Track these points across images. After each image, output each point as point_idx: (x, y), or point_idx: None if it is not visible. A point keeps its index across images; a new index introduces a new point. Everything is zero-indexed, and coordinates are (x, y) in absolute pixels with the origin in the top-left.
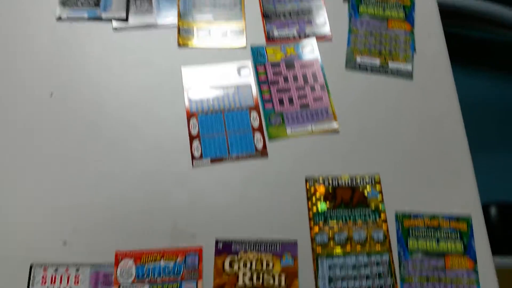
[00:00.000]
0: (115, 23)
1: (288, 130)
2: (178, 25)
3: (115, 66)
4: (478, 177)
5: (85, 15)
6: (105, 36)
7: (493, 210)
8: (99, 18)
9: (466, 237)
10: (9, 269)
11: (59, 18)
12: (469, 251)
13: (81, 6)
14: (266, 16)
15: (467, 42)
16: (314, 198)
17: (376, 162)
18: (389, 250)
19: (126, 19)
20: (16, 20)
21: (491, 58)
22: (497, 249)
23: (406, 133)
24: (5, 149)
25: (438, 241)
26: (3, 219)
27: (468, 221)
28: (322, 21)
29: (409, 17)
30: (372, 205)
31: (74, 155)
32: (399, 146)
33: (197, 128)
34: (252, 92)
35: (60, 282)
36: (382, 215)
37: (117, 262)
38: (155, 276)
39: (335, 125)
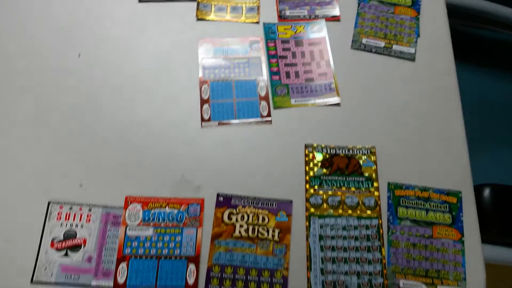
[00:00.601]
0: None
1: (292, 101)
2: (198, 0)
3: (138, 34)
4: (475, 161)
5: None
6: (131, 6)
7: (486, 191)
8: None
9: (455, 210)
10: (29, 204)
11: None
12: (457, 223)
13: None
14: None
15: (472, 41)
16: (311, 164)
17: (373, 135)
18: (379, 216)
19: None
20: None
21: (497, 57)
22: (487, 230)
23: (405, 110)
24: (33, 100)
25: (427, 211)
26: (27, 161)
27: (458, 195)
28: (332, 4)
29: (415, 4)
30: (366, 174)
31: (95, 108)
32: (397, 122)
33: (208, 93)
34: (261, 64)
35: (74, 219)
36: (375, 183)
37: (126, 206)
38: (160, 221)
39: (337, 99)
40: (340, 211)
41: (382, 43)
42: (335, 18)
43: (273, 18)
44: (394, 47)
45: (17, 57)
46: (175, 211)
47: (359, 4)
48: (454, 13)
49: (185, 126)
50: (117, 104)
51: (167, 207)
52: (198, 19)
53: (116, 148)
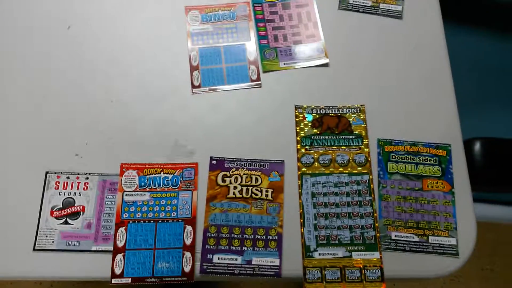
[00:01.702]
0: None
1: (281, 64)
2: None
3: (125, 5)
4: (465, 117)
5: None
6: None
7: (477, 145)
8: None
9: (445, 163)
10: (28, 176)
11: None
12: (446, 175)
13: None
14: None
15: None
16: (302, 124)
17: (362, 94)
18: (369, 172)
19: None
20: None
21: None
22: (478, 184)
23: (393, 67)
24: (28, 72)
25: (416, 165)
26: (24, 133)
27: (447, 148)
28: None
29: None
30: (356, 132)
31: (87, 78)
32: (385, 79)
33: (197, 60)
34: (249, 29)
35: (71, 187)
36: (365, 141)
37: (122, 173)
38: (155, 186)
39: (325, 60)
40: (332, 169)
41: (369, 2)
42: None
43: None
44: (381, 5)
45: (7, 33)
46: (170, 176)
47: None
48: None
49: (176, 93)
50: (109, 74)
51: (162, 173)
52: None
53: (109, 117)
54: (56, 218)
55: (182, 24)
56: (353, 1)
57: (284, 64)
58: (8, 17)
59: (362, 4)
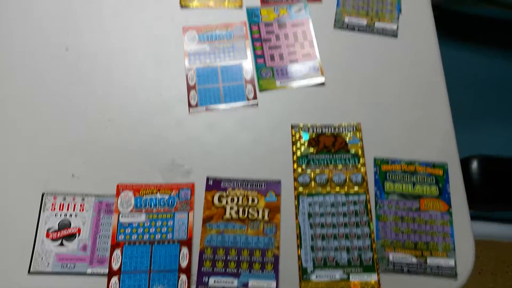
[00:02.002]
0: None
1: (278, 83)
2: None
3: (123, 24)
4: (462, 134)
5: None
6: None
7: (474, 163)
8: None
9: (442, 182)
10: (24, 197)
11: None
12: (443, 195)
13: None
14: None
15: (457, 17)
16: (298, 143)
17: (358, 112)
18: (366, 191)
19: None
20: None
21: (478, 32)
22: (476, 201)
23: (388, 85)
24: (25, 92)
25: (414, 184)
26: (20, 154)
27: (444, 167)
28: None
29: None
30: (353, 151)
31: (84, 98)
32: (381, 97)
33: (194, 79)
34: (246, 48)
35: (67, 209)
36: (361, 159)
37: (118, 193)
38: (152, 207)
39: (321, 79)
40: (328, 188)
41: (364, 21)
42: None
43: (256, 1)
44: (377, 24)
45: (5, 53)
46: (166, 197)
47: None
48: None
49: (173, 113)
50: (106, 94)
51: (158, 193)
52: (182, 7)
53: (106, 137)
54: (52, 240)
55: (179, 44)
56: (348, 21)
57: (281, 83)
58: (6, 36)
59: (357, 23)
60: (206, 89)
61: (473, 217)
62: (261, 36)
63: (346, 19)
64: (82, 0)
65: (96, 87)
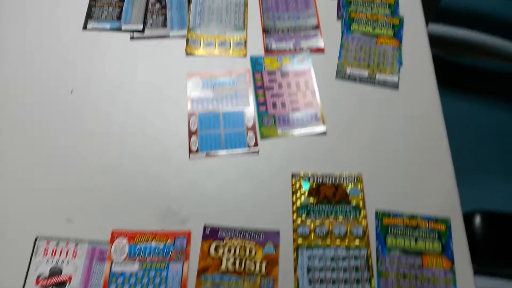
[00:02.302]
0: (132, 34)
1: (279, 130)
2: (187, 36)
3: (129, 69)
4: (464, 187)
5: (108, 26)
6: (123, 43)
7: (477, 219)
8: (119, 29)
9: (445, 238)
10: (17, 241)
11: (85, 28)
12: (446, 251)
13: (105, 19)
14: (266, 31)
15: (460, 69)
16: (298, 193)
17: (359, 162)
18: (368, 245)
19: (143, 31)
20: (47, 27)
21: (478, 83)
22: (480, 257)
23: (390, 137)
24: (23, 135)
25: (416, 240)
26: (16, 196)
27: (446, 222)
28: (317, 37)
29: (397, 35)
30: (354, 202)
31: (83, 142)
32: (383, 149)
33: (196, 125)
34: (248, 95)
35: (60, 255)
36: (363, 212)
37: (112, 240)
38: (146, 256)
39: (323, 128)
40: (328, 241)
41: (365, 73)
42: (320, 50)
43: (259, 51)
44: (378, 76)
45: (7, 94)
46: (161, 245)
47: (342, 35)
48: (437, 42)
49: (173, 158)
50: (106, 138)
51: (153, 241)
52: (188, 54)
53: (104, 181)
54: (42, 287)
55: (183, 90)
56: (350, 72)
57: (282, 131)
58: (11, 79)
59: (359, 74)
60: (207, 135)
61: (476, 272)
62: (264, 84)
63: (348, 70)
64: (88, 46)
65: (95, 132)
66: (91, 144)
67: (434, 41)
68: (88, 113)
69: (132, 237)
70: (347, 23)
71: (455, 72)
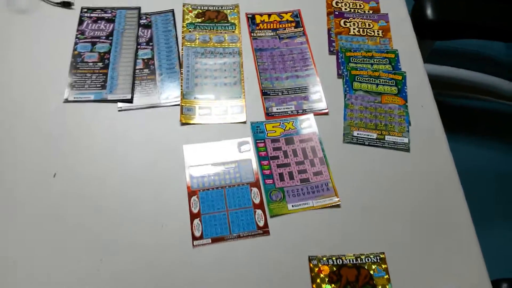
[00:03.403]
0: (120, 104)
1: (289, 206)
2: (181, 104)
3: (119, 145)
4: (486, 252)
5: (91, 97)
6: (109, 115)
7: (504, 286)
8: (104, 100)
9: None
10: None
11: (66, 100)
12: None
13: (88, 88)
14: (264, 93)
15: (459, 110)
16: (318, 279)
17: (378, 237)
18: None
19: (131, 101)
20: (24, 100)
21: (484, 125)
22: None
23: (408, 206)
24: (8, 226)
25: None
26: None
27: None
28: (318, 97)
29: (401, 92)
30: (379, 285)
31: (76, 234)
32: (401, 219)
33: (198, 206)
34: (252, 167)
35: None
36: None
37: None
38: None
39: (336, 199)
40: None
41: (374, 135)
42: (323, 112)
43: (260, 115)
44: (387, 137)
45: None
46: None
47: (345, 95)
48: (437, 84)
49: (175, 247)
50: (98, 229)
51: None
52: (182, 124)
53: (98, 279)
54: None
55: (180, 164)
56: (358, 134)
57: (293, 206)
58: None
59: (367, 137)
60: (211, 217)
61: None
62: (268, 153)
63: (355, 133)
64: (76, 121)
65: (87, 222)
66: (82, 237)
67: (434, 82)
68: (74, 200)
69: None
70: (349, 82)
71: (454, 113)
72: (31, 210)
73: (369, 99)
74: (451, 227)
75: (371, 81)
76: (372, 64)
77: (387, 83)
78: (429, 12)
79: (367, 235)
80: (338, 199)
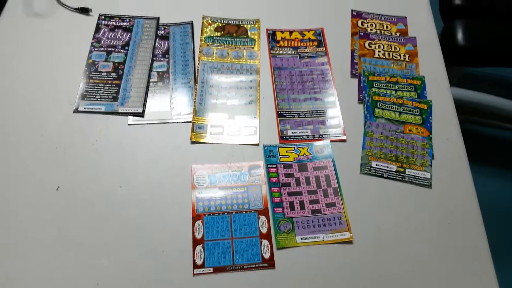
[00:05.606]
0: (130, 119)
1: (298, 239)
2: (193, 122)
3: (125, 161)
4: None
5: (102, 108)
6: (119, 129)
7: None
8: (115, 113)
9: None
10: None
11: (76, 110)
12: None
13: (99, 99)
14: (280, 115)
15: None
16: None
17: (392, 277)
18: None
19: (143, 115)
20: (34, 106)
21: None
22: None
23: (425, 246)
24: (13, 239)
25: None
26: None
27: None
28: (337, 122)
29: (426, 122)
30: None
31: (72, 253)
32: (417, 260)
33: (202, 232)
34: (262, 194)
35: None
36: None
37: None
38: None
39: (348, 235)
40: None
41: (394, 167)
42: (341, 139)
43: (273, 138)
44: (408, 171)
45: None
46: None
47: (365, 122)
48: (463, 110)
49: (175, 274)
50: (97, 254)
51: None
52: (193, 142)
53: None
54: None
55: (187, 185)
56: (376, 165)
57: (302, 239)
58: None
59: (386, 168)
60: (214, 244)
61: None
62: (279, 180)
63: (374, 164)
64: (82, 135)
65: (85, 242)
66: (80, 266)
67: (460, 108)
68: (72, 215)
69: None
70: (370, 108)
71: (480, 142)
72: (30, 224)
73: (390, 127)
74: (470, 270)
75: (394, 109)
76: (396, 91)
77: (411, 112)
78: (460, 37)
79: (379, 275)
80: (351, 235)
